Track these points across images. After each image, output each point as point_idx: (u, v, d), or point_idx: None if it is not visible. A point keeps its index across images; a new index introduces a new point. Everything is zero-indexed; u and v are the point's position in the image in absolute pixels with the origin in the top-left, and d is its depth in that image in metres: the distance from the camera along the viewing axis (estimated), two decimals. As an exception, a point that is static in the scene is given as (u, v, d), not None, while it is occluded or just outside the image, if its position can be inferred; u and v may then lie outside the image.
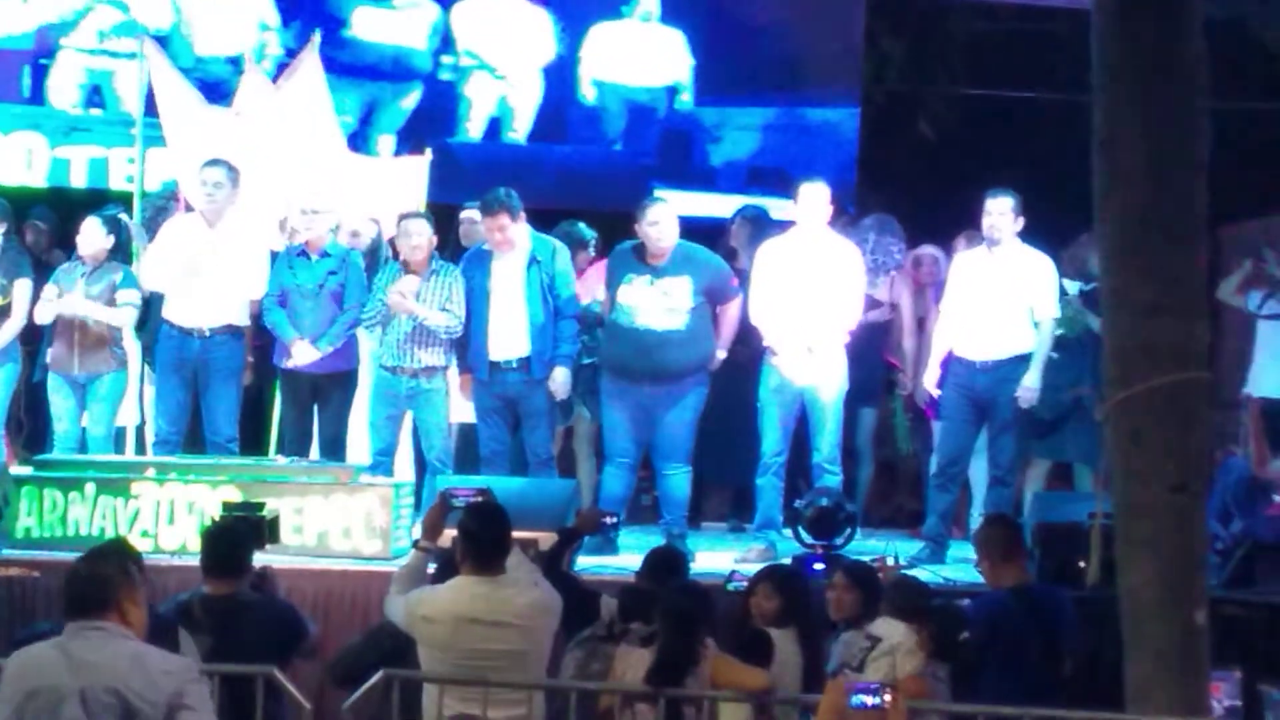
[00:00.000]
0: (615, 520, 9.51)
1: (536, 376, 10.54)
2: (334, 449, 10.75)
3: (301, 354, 10.69)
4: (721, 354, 10.56)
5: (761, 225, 11.63)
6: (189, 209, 11.06)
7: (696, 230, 11.13)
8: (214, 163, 10.78)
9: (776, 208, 11.79)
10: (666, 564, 8.15)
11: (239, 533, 7.84)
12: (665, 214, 10.42)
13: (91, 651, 5.16)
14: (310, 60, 11.60)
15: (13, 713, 5.23)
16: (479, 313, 10.56)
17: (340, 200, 11.20)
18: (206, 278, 10.62)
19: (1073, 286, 10.73)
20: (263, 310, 10.80)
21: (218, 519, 8.25)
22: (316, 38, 11.79)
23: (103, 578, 5.26)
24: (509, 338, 10.53)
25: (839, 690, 6.30)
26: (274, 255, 10.92)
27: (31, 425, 11.46)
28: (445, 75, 13.43)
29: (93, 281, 10.87)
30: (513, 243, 10.52)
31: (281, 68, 12.28)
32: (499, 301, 10.55)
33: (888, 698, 6.19)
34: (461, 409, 10.93)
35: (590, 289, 11.11)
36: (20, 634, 7.69)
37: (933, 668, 7.29)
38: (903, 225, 11.98)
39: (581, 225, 11.65)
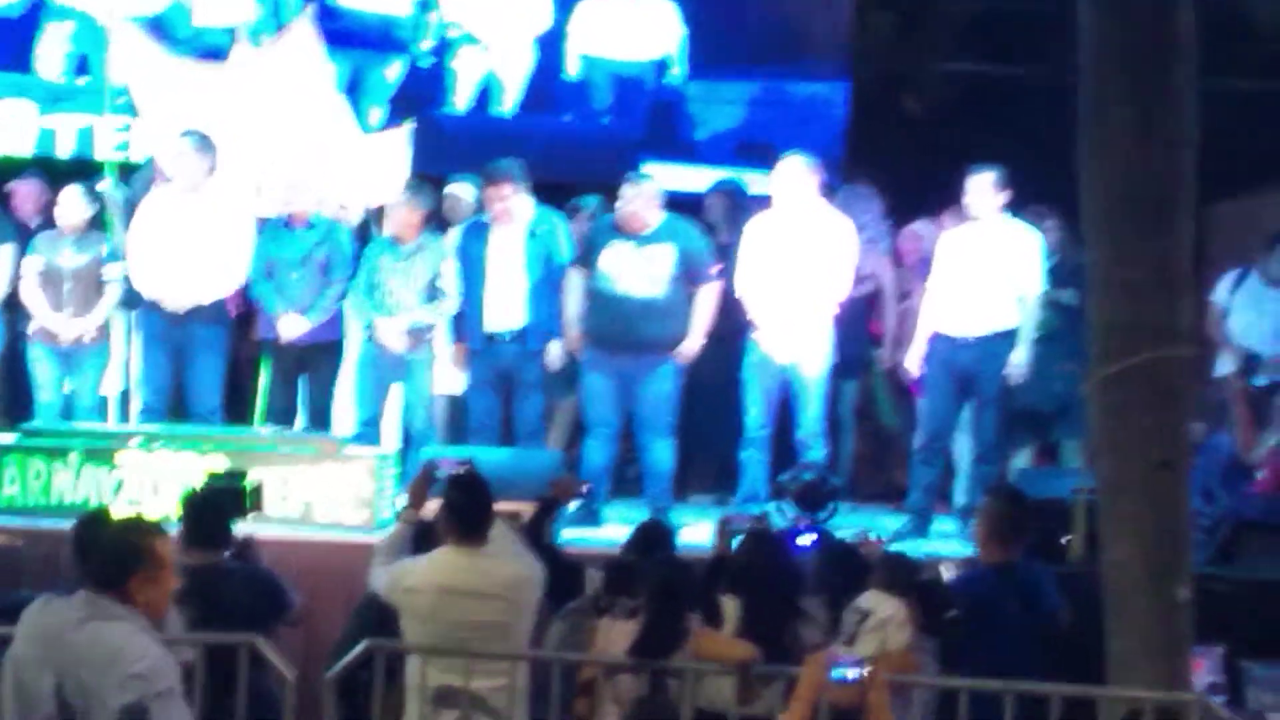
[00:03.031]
0: (591, 489, 9.52)
1: (532, 348, 10.55)
2: (320, 420, 10.75)
3: (289, 327, 10.68)
4: (695, 342, 10.47)
5: (736, 199, 11.63)
6: (167, 180, 11.02)
7: (682, 205, 11.11)
8: (187, 133, 10.75)
9: (763, 182, 11.76)
10: (654, 537, 8.16)
11: (220, 502, 7.84)
12: (637, 193, 10.38)
13: (78, 630, 5.12)
14: (304, 29, 11.54)
15: (9, 663, 5.23)
16: (475, 284, 10.56)
17: (325, 172, 11.18)
18: (188, 250, 10.60)
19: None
20: (249, 283, 10.79)
21: (199, 488, 8.24)
22: (311, 9, 11.76)
23: (114, 555, 5.23)
24: (505, 309, 10.54)
25: (819, 664, 6.30)
26: (259, 226, 10.89)
27: (11, 394, 11.42)
28: (430, 46, 13.38)
29: (79, 251, 10.84)
30: (513, 213, 10.52)
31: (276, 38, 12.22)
32: (496, 272, 10.55)
33: (867, 672, 6.20)
34: (450, 380, 10.92)
35: None
36: (2, 602, 7.70)
37: (920, 643, 7.30)
38: (891, 202, 11.95)
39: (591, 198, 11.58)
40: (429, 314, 10.61)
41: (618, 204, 10.45)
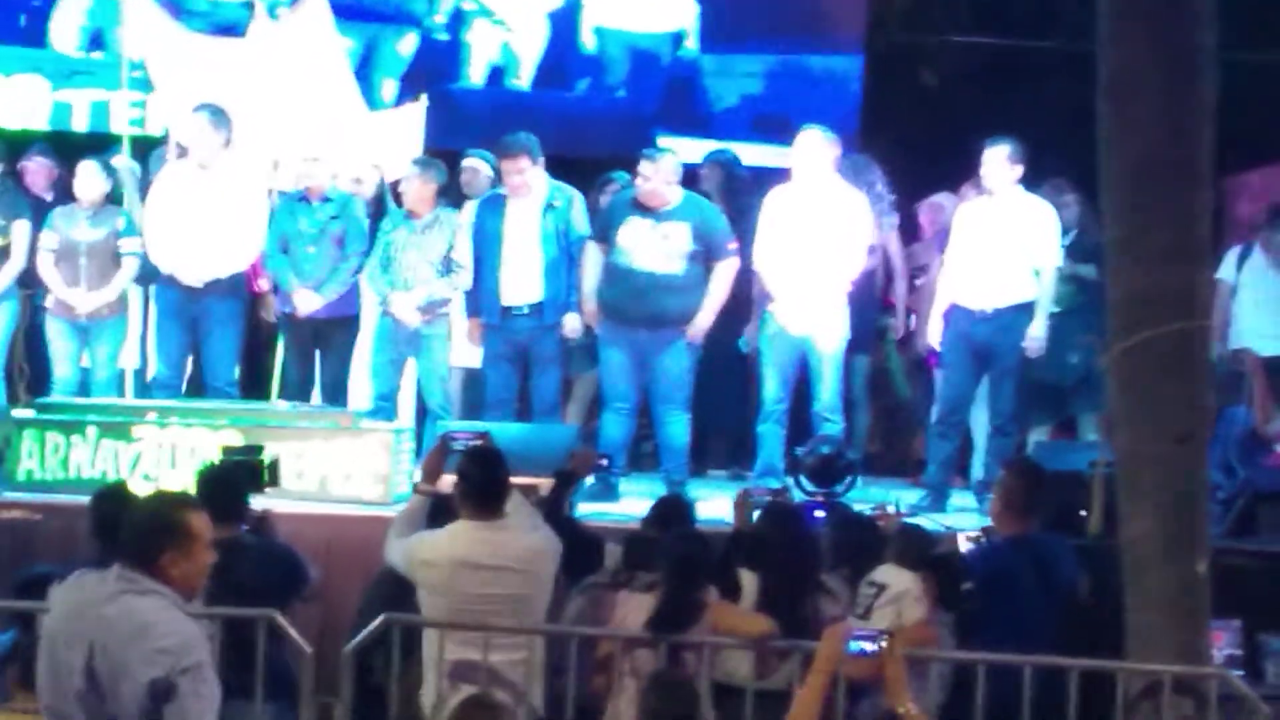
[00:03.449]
0: (609, 462, 9.51)
1: (548, 321, 10.54)
2: (335, 394, 10.75)
3: (304, 302, 10.68)
4: (705, 319, 10.43)
5: (730, 170, 11.60)
6: (181, 155, 11.02)
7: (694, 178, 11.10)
8: (202, 107, 10.74)
9: (778, 155, 11.73)
10: (673, 512, 8.15)
11: (236, 476, 7.82)
12: (656, 169, 10.36)
13: (109, 604, 5.10)
14: (317, 3, 11.52)
15: (47, 636, 5.22)
16: (491, 257, 10.55)
17: (340, 147, 11.17)
18: (203, 225, 10.59)
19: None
20: (264, 257, 10.79)
21: (215, 463, 8.23)
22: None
23: (147, 530, 5.20)
24: (522, 282, 10.52)
25: (837, 637, 6.29)
26: (274, 201, 10.89)
27: (30, 369, 11.43)
28: (444, 20, 13.36)
29: (95, 225, 10.85)
30: (529, 186, 10.51)
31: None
32: (512, 246, 10.53)
33: (885, 644, 6.19)
34: (466, 353, 10.92)
35: None
36: (20, 576, 7.71)
37: (936, 616, 7.29)
38: (906, 175, 11.91)
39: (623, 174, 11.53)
40: (444, 288, 10.60)
41: (636, 180, 10.42)
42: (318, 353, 10.87)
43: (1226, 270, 10.45)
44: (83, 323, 10.82)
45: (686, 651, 7.14)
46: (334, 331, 10.82)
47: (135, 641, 5.03)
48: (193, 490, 7.62)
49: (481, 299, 10.62)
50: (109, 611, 5.09)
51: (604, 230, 10.50)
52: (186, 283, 10.61)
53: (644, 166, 10.41)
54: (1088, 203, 10.35)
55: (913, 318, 11.59)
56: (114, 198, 11.06)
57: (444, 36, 13.37)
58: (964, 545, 8.34)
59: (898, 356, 11.93)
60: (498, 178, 11.03)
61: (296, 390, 10.77)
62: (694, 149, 12.49)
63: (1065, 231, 10.59)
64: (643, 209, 10.38)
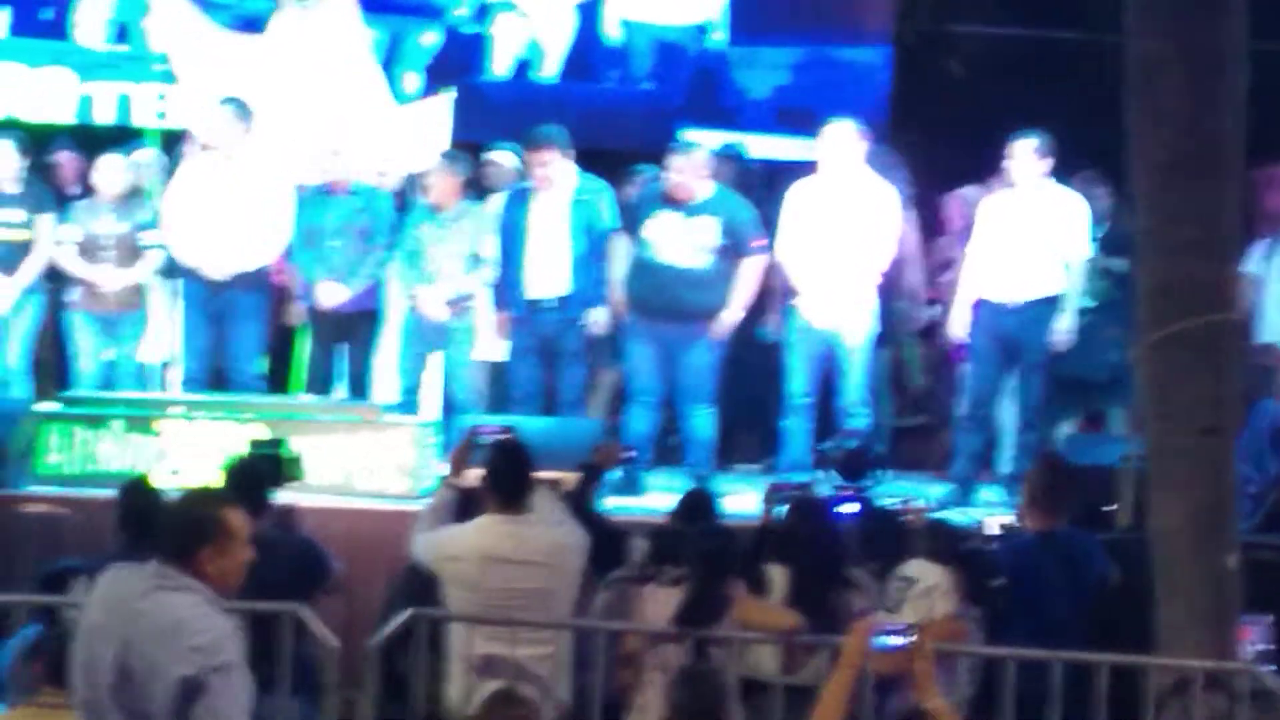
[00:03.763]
0: (634, 455, 9.49)
1: (574, 316, 10.52)
2: (359, 388, 10.74)
3: (329, 295, 10.67)
4: (733, 315, 10.41)
5: (739, 165, 11.56)
6: (204, 148, 11.01)
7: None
8: (226, 101, 10.73)
9: (805, 148, 11.68)
10: (700, 506, 8.13)
11: (260, 470, 7.81)
12: (687, 163, 10.34)
13: (144, 599, 5.08)
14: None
15: (83, 630, 5.19)
16: (516, 250, 10.53)
17: (365, 139, 11.16)
18: (227, 218, 10.59)
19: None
20: (289, 251, 10.78)
21: (239, 456, 8.22)
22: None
23: (184, 527, 5.18)
24: (548, 276, 10.50)
25: (864, 632, 6.26)
26: (299, 194, 10.87)
27: (55, 364, 11.42)
28: (468, 13, 13.34)
29: (119, 219, 10.84)
30: (555, 180, 10.48)
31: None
32: (538, 239, 10.51)
33: (912, 639, 6.15)
34: (492, 347, 10.90)
35: None
36: (46, 571, 7.71)
37: (966, 611, 7.26)
38: (934, 167, 11.86)
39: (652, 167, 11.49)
40: (471, 282, 10.58)
41: (666, 173, 10.39)
42: (340, 347, 10.85)
43: (1253, 264, 10.39)
44: (106, 316, 10.80)
45: (713, 646, 7.11)
46: (358, 325, 10.82)
47: (168, 638, 5.01)
48: (220, 485, 7.62)
49: (507, 292, 10.60)
50: (143, 606, 5.07)
51: (632, 223, 10.48)
52: (211, 276, 10.61)
53: (675, 160, 10.39)
54: (1119, 195, 10.29)
55: (938, 308, 11.52)
56: (140, 191, 11.05)
57: (469, 29, 13.34)
58: (993, 529, 8.32)
59: (913, 346, 11.84)
60: (523, 171, 11.02)
61: (319, 384, 10.76)
62: (720, 142, 12.46)
63: (1097, 224, 10.53)
64: (672, 202, 10.36)
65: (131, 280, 10.82)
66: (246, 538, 5.24)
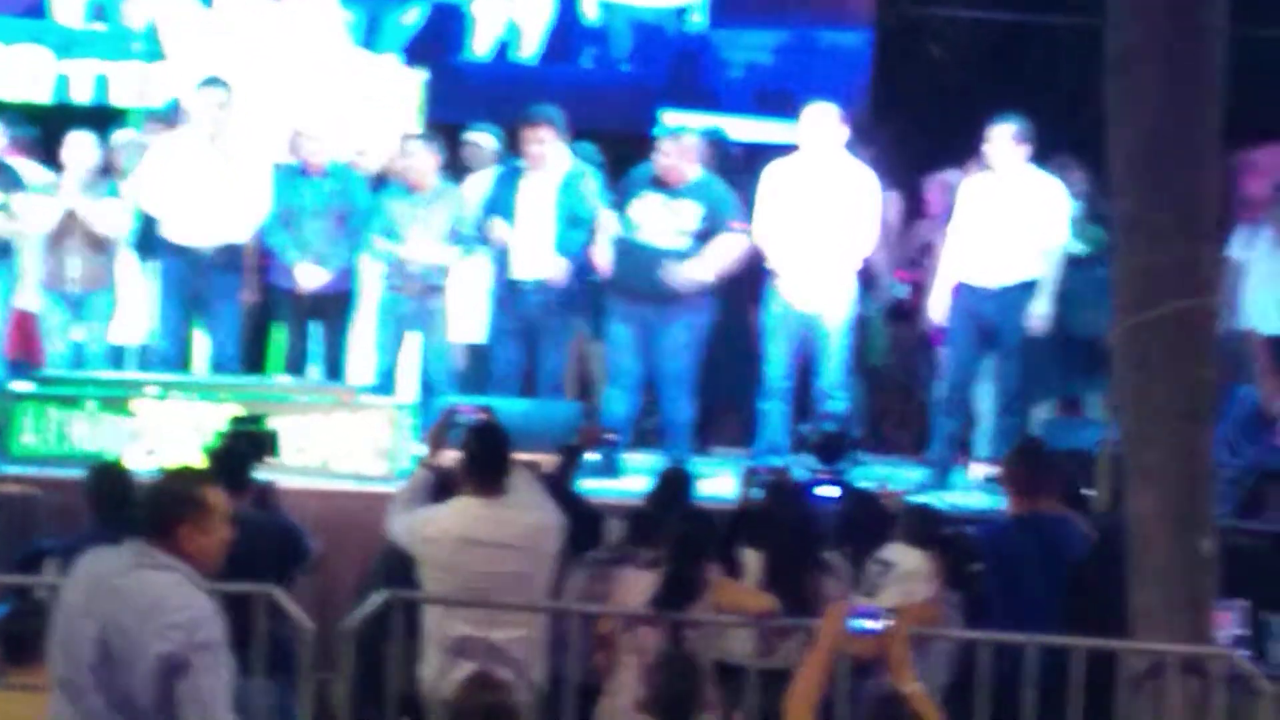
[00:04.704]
0: (616, 437, 9.46)
1: (556, 298, 10.49)
2: (334, 369, 10.72)
3: (308, 277, 10.63)
4: (696, 270, 10.25)
5: (720, 149, 11.54)
6: (182, 125, 10.95)
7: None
8: (205, 79, 10.68)
9: (785, 131, 11.67)
10: (676, 486, 8.12)
11: (240, 448, 7.78)
12: (676, 146, 10.33)
13: (124, 577, 5.06)
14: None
15: (62, 609, 5.17)
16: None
17: (341, 119, 11.12)
18: (205, 196, 10.54)
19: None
20: (265, 231, 10.74)
21: (220, 434, 8.18)
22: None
23: (162, 504, 5.16)
24: (532, 257, 10.47)
25: (839, 615, 6.25)
26: (275, 173, 10.82)
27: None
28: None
29: (86, 195, 10.71)
30: (546, 158, 10.45)
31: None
32: (524, 220, 10.48)
33: (887, 622, 6.14)
34: (470, 328, 10.88)
35: None
36: (21, 552, 7.69)
37: (944, 596, 7.25)
38: (914, 150, 11.85)
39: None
40: (447, 256, 10.53)
41: (655, 155, 10.37)
42: (314, 328, 10.81)
43: (1234, 248, 10.38)
44: (73, 294, 10.71)
45: (688, 629, 7.10)
46: (331, 306, 10.78)
47: (149, 616, 4.99)
48: (200, 464, 7.59)
49: (491, 272, 10.58)
50: (123, 585, 5.05)
51: (619, 203, 10.47)
52: (187, 255, 10.53)
53: (664, 143, 10.38)
54: (1094, 180, 10.28)
55: (905, 288, 11.51)
56: (113, 169, 10.97)
57: (448, 8, 13.30)
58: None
59: (878, 324, 11.78)
60: (503, 151, 10.98)
61: (294, 365, 10.73)
62: (701, 125, 12.44)
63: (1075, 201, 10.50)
64: (658, 184, 10.35)
65: (97, 223, 10.64)
66: (226, 516, 5.22)
